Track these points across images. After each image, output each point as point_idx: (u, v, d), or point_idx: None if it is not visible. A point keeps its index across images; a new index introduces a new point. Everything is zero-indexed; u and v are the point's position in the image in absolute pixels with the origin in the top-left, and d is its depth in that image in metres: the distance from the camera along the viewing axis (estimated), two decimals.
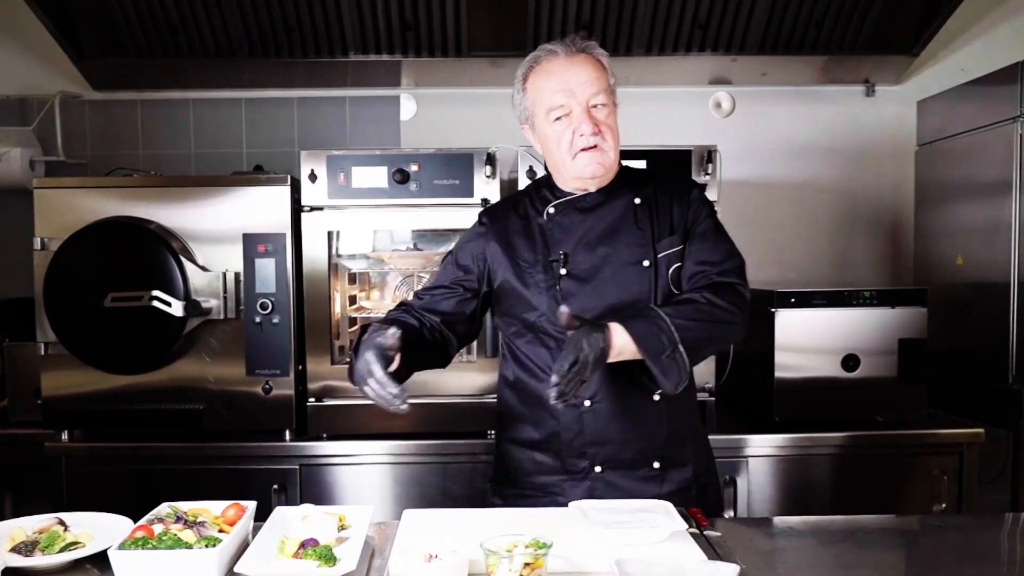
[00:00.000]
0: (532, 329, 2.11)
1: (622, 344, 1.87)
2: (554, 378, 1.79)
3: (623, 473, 2.08)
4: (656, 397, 2.05)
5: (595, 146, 2.01)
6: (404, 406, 1.83)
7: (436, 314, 2.15)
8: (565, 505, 1.99)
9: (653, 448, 2.08)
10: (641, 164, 2.97)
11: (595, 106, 2.02)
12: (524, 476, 2.14)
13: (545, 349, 2.09)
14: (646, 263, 2.06)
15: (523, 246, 2.12)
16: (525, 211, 2.17)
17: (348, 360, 1.99)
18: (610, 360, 1.87)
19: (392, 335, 1.86)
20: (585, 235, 2.09)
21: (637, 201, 2.11)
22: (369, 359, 1.84)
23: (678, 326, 1.90)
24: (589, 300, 2.04)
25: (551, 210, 2.12)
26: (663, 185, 2.15)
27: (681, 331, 1.90)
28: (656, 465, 2.08)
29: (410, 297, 2.28)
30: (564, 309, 1.86)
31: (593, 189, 2.10)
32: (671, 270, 2.07)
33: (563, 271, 2.06)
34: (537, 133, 2.11)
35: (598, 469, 2.07)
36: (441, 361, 2.19)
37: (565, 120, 2.02)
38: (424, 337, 2.10)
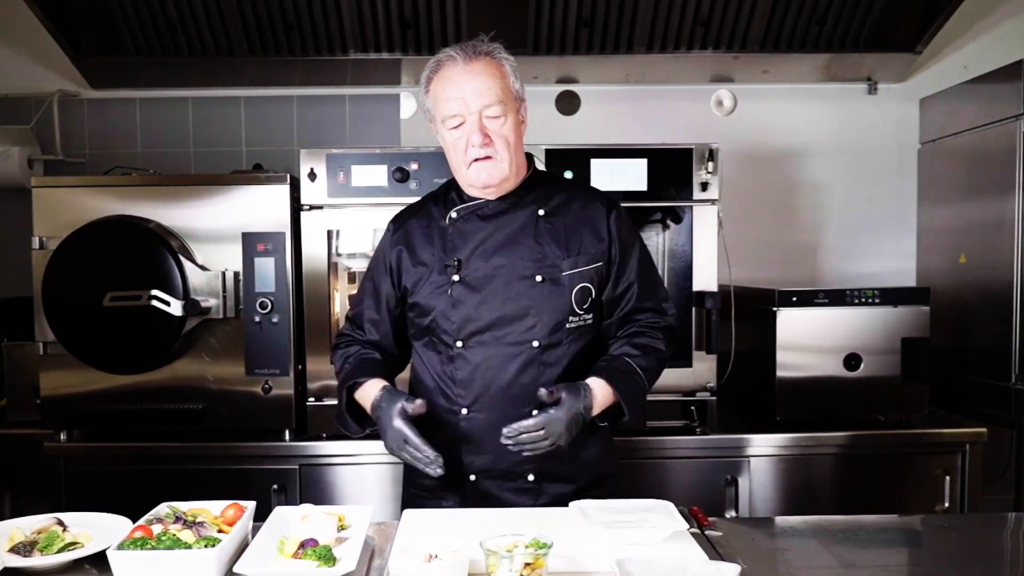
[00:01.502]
0: (427, 332, 2.13)
1: (601, 403, 2.02)
2: (516, 427, 1.92)
3: (498, 483, 2.10)
4: (535, 413, 2.02)
5: (487, 157, 2.02)
6: (440, 470, 1.93)
7: (390, 342, 2.23)
8: (448, 508, 2.08)
9: (528, 461, 2.07)
10: (642, 163, 2.96)
11: (489, 117, 2.02)
12: (416, 478, 2.17)
13: (436, 354, 2.12)
14: (539, 278, 2.06)
15: (424, 250, 2.13)
16: (430, 213, 2.18)
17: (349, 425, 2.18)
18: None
19: (420, 405, 1.96)
20: (482, 243, 2.09)
21: (541, 213, 2.11)
22: (400, 427, 1.95)
23: (649, 380, 2.11)
24: (477, 309, 2.06)
25: (453, 215, 2.13)
26: (576, 198, 2.16)
27: (649, 385, 2.11)
28: (531, 478, 2.10)
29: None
30: (543, 391, 1.94)
31: (492, 197, 2.11)
32: (576, 289, 2.08)
33: (456, 277, 2.07)
34: (440, 136, 2.12)
35: (472, 478, 2.09)
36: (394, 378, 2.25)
37: (460, 129, 2.03)
38: (390, 369, 2.21)
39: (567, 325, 2.07)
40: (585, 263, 2.09)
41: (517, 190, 2.11)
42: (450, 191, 2.18)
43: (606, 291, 2.15)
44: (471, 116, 2.01)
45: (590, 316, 2.12)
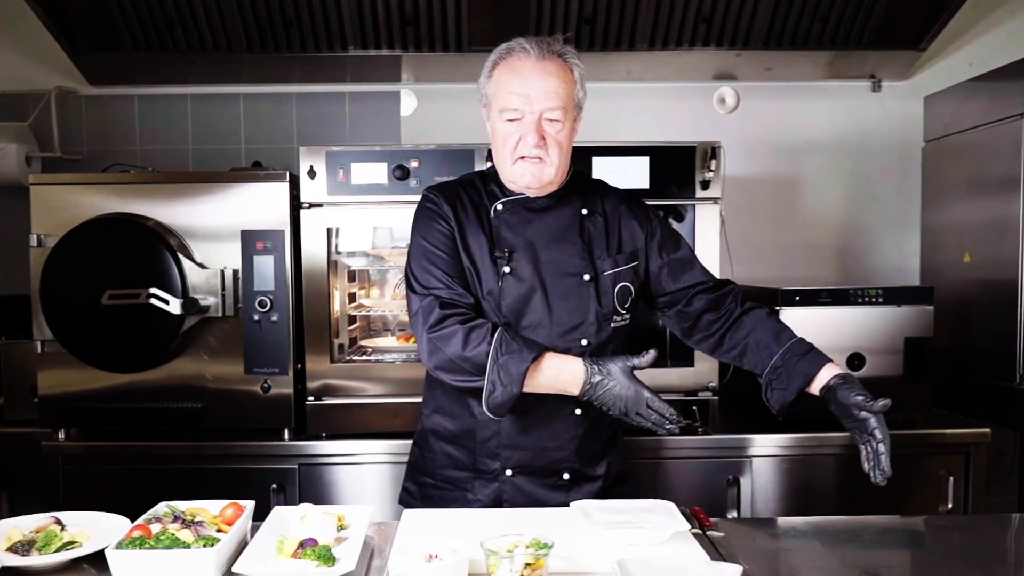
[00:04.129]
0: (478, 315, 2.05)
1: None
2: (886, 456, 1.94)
3: (533, 479, 2.09)
4: (578, 411, 2.04)
5: (537, 158, 1.99)
6: (678, 427, 1.90)
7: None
8: (475, 501, 2.06)
9: (565, 459, 2.08)
10: (643, 161, 2.96)
11: (549, 120, 1.98)
12: (437, 468, 2.15)
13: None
14: (587, 276, 2.05)
15: (472, 235, 2.07)
16: (473, 201, 2.11)
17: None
18: None
19: (651, 357, 1.89)
20: (531, 237, 2.06)
21: (584, 212, 2.11)
22: (641, 388, 1.88)
23: None
24: (527, 304, 2.03)
25: (499, 206, 2.09)
26: (610, 199, 2.16)
27: None
28: (566, 476, 2.09)
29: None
30: (885, 402, 1.93)
31: (531, 195, 2.09)
32: (618, 288, 2.08)
33: (506, 269, 2.03)
34: (490, 123, 2.10)
35: (508, 472, 2.08)
36: None
37: (516, 124, 1.99)
38: None
39: (612, 324, 2.07)
40: (625, 262, 2.09)
41: (561, 188, 2.10)
42: (489, 182, 2.13)
43: (662, 282, 2.15)
44: (530, 115, 1.97)
45: (629, 316, 2.12)
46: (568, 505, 1.96)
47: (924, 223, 3.76)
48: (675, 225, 3.10)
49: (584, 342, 2.03)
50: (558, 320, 2.02)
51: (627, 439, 2.83)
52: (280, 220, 2.94)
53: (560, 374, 1.93)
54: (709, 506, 2.09)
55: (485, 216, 2.09)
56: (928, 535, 2.09)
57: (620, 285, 2.08)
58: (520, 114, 1.98)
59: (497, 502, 2.08)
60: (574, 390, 1.92)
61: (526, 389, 1.90)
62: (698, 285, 2.14)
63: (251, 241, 2.94)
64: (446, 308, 1.98)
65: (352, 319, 3.30)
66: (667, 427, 1.88)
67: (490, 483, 2.09)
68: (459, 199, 2.10)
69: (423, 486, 2.18)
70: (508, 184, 2.09)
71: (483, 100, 2.10)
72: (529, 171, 1.99)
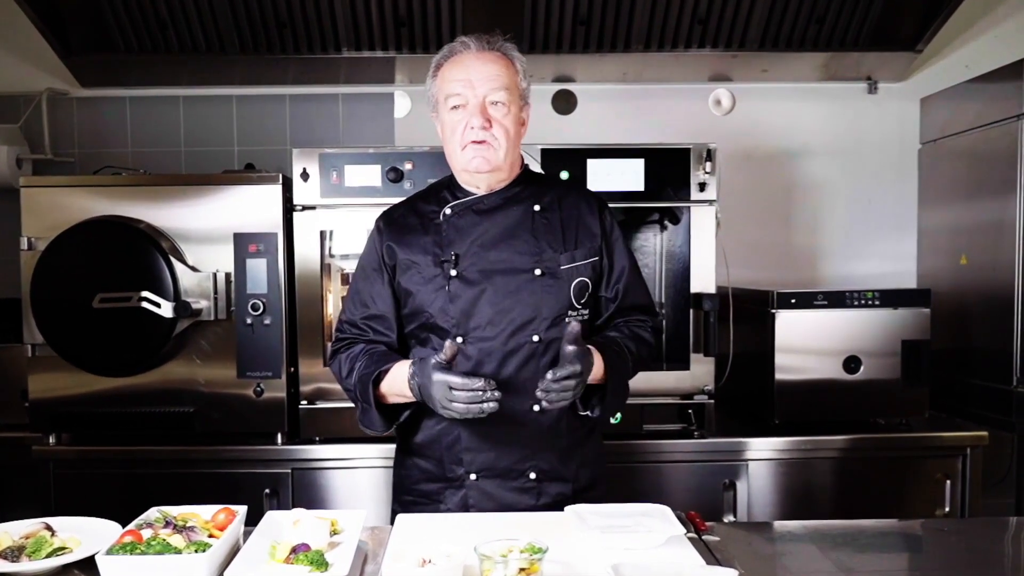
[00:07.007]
0: (424, 329, 2.11)
1: (597, 372, 1.97)
2: (551, 375, 1.85)
3: (498, 482, 2.07)
4: (536, 408, 2.02)
5: (483, 141, 2.02)
6: (498, 396, 1.85)
7: (393, 340, 2.16)
8: (446, 511, 2.06)
9: (529, 459, 2.07)
10: (639, 163, 2.95)
11: (493, 103, 2.02)
12: (413, 483, 2.16)
13: (434, 351, 2.07)
14: (537, 272, 2.05)
15: (415, 245, 2.11)
16: (420, 210, 2.17)
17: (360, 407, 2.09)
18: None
19: (450, 346, 1.87)
20: (479, 238, 2.08)
21: (537, 208, 2.11)
22: (440, 379, 1.86)
23: (634, 368, 2.10)
24: (476, 304, 2.04)
25: (448, 211, 2.12)
26: (567, 195, 2.17)
27: (632, 373, 2.11)
28: (532, 476, 2.08)
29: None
30: (575, 325, 1.88)
31: (482, 186, 2.10)
32: (575, 283, 2.08)
33: (453, 272, 2.05)
34: (440, 121, 2.13)
35: (473, 477, 2.07)
36: None
37: (461, 111, 2.03)
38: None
39: (566, 320, 2.05)
40: (582, 257, 2.09)
41: (511, 185, 2.11)
42: (443, 189, 2.17)
43: (600, 289, 2.15)
44: (474, 99, 2.01)
45: (587, 311, 2.12)
46: (540, 510, 1.98)
47: (920, 225, 3.76)
48: (671, 228, 3.10)
49: (535, 338, 2.03)
50: (508, 318, 2.03)
51: (623, 442, 2.85)
52: (273, 223, 2.93)
53: (394, 383, 2.01)
54: (705, 510, 2.08)
55: (433, 224, 2.12)
56: (925, 539, 2.08)
57: (577, 280, 2.08)
58: (464, 99, 2.03)
59: (464, 509, 2.07)
60: (409, 394, 1.97)
61: (388, 401, 2.05)
62: (629, 312, 2.18)
63: (244, 244, 2.92)
64: (338, 343, 2.17)
65: None
66: (486, 406, 1.84)
67: (458, 490, 2.08)
68: (405, 218, 2.16)
69: (404, 504, 2.17)
70: (461, 177, 2.12)
71: (431, 103, 2.14)
72: (478, 154, 2.02)
